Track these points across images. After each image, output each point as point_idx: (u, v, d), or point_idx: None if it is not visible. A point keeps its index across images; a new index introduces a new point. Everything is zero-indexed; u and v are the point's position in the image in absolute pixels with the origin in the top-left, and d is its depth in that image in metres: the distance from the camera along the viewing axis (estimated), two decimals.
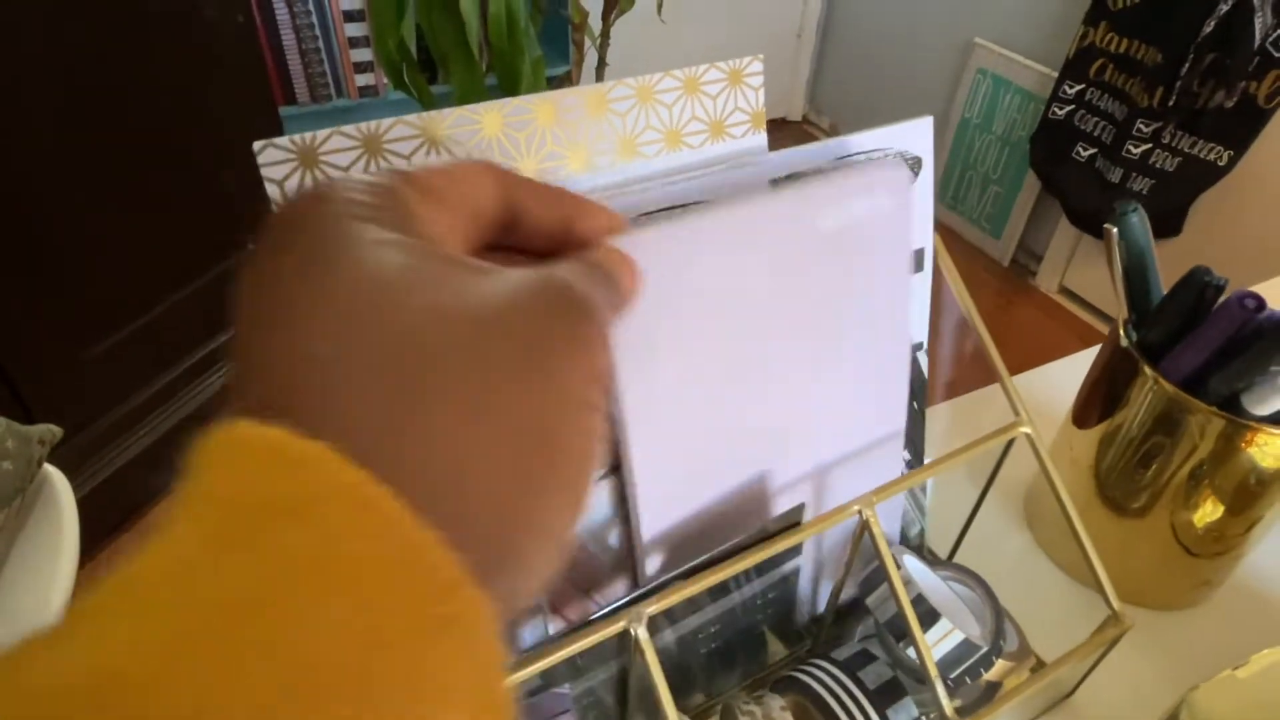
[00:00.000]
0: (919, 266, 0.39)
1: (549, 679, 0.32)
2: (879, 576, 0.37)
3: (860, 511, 0.35)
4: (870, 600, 0.39)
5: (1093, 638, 0.39)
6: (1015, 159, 2.08)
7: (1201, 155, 1.64)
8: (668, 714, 0.30)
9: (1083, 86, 1.83)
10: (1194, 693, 0.36)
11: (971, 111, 2.17)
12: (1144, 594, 0.50)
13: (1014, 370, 0.41)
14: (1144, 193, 1.74)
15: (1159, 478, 0.46)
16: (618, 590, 0.35)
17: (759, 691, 0.40)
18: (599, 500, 0.34)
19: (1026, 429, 0.39)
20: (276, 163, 0.26)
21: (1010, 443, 0.41)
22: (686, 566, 0.32)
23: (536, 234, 0.20)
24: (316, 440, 0.13)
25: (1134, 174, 1.75)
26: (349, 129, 0.27)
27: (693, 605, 0.36)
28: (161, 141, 1.28)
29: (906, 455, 0.41)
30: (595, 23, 1.79)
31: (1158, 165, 1.71)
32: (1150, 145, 1.70)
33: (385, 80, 1.89)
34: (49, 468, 0.78)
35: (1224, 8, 1.49)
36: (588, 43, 1.80)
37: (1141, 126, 1.68)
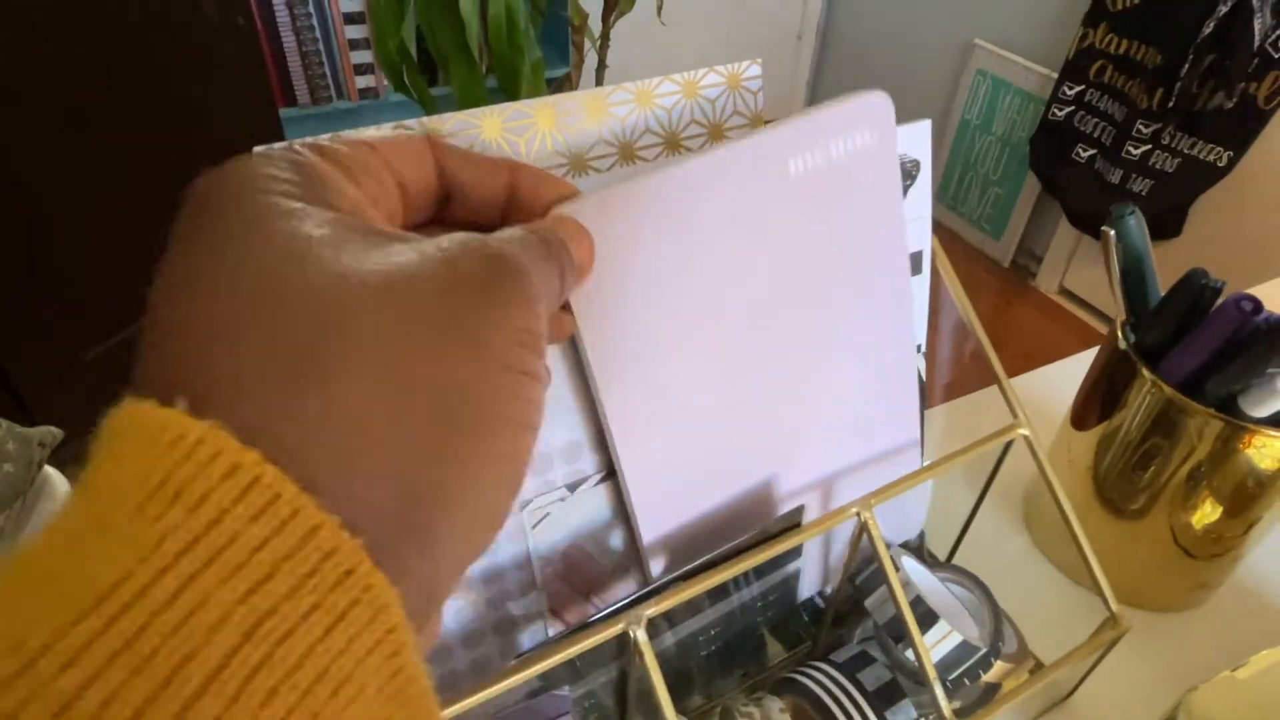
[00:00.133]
0: (917, 269, 0.39)
1: (549, 681, 0.32)
2: (878, 578, 0.38)
3: (859, 513, 0.35)
4: (869, 602, 0.39)
5: (1091, 639, 0.39)
6: (1015, 160, 2.08)
7: (1201, 156, 1.64)
8: (667, 716, 0.30)
9: (1082, 88, 1.83)
10: (1192, 694, 0.36)
11: (971, 113, 2.17)
12: (1142, 595, 0.50)
13: (1016, 371, 0.41)
14: (1144, 194, 1.74)
15: (1157, 479, 0.46)
16: (618, 594, 0.35)
17: (758, 693, 0.40)
18: (598, 503, 0.34)
19: (1025, 431, 0.40)
20: None
21: (1009, 445, 0.41)
22: (686, 569, 0.32)
23: (479, 207, 0.20)
24: (208, 419, 0.12)
25: (1134, 175, 1.75)
26: (348, 134, 0.27)
27: (693, 608, 0.36)
28: (162, 143, 1.29)
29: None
30: (595, 24, 1.79)
31: (1157, 166, 1.71)
32: (1150, 146, 1.70)
33: (385, 82, 1.90)
34: (49, 470, 0.78)
35: (1223, 9, 1.49)
36: (587, 44, 1.80)
37: (1141, 127, 1.69)
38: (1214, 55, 1.54)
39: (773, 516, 0.36)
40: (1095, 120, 1.83)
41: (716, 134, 0.34)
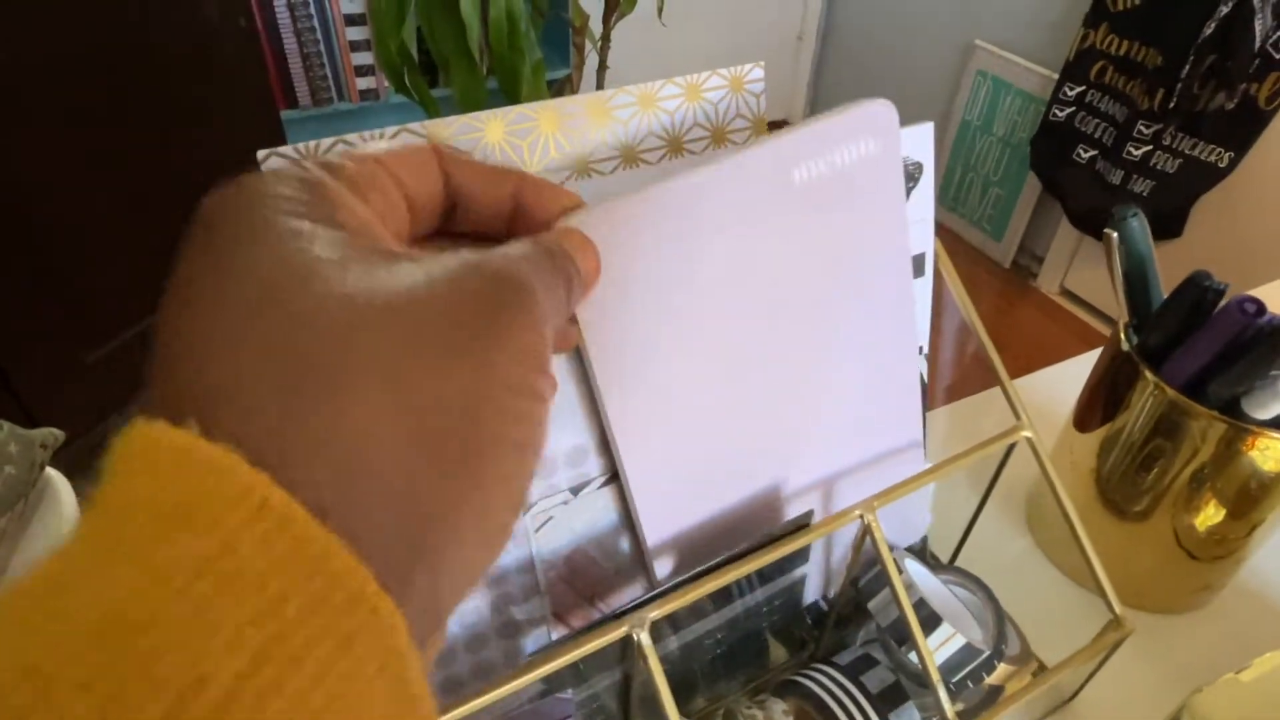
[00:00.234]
0: (920, 271, 0.39)
1: (552, 684, 0.32)
2: (881, 581, 0.38)
3: (862, 516, 0.35)
4: (872, 605, 0.39)
5: (1094, 641, 0.39)
6: (1016, 161, 2.08)
7: (1202, 157, 1.64)
8: (670, 719, 0.30)
9: (1083, 88, 1.83)
10: (1196, 696, 0.36)
11: (972, 114, 2.17)
12: (1145, 598, 0.50)
13: (1016, 371, 0.41)
14: (1145, 194, 1.74)
15: (1160, 481, 0.46)
16: (622, 598, 0.35)
17: (761, 696, 0.40)
18: (602, 506, 0.34)
19: (1028, 433, 0.40)
20: None
21: (1011, 447, 0.41)
22: (690, 574, 0.32)
23: (484, 217, 0.20)
24: (216, 440, 0.12)
25: (1134, 176, 1.75)
26: (352, 137, 0.27)
27: (697, 613, 0.36)
28: (163, 144, 1.29)
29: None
30: (596, 26, 1.79)
31: (1158, 167, 1.71)
32: (1151, 147, 1.70)
33: (386, 84, 1.90)
34: (51, 471, 0.78)
35: (1224, 9, 1.49)
36: (588, 46, 1.81)
37: (1142, 128, 1.69)
38: (1215, 56, 1.54)
39: (776, 519, 0.36)
40: (1096, 121, 1.83)
41: (719, 137, 0.34)
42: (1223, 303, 0.42)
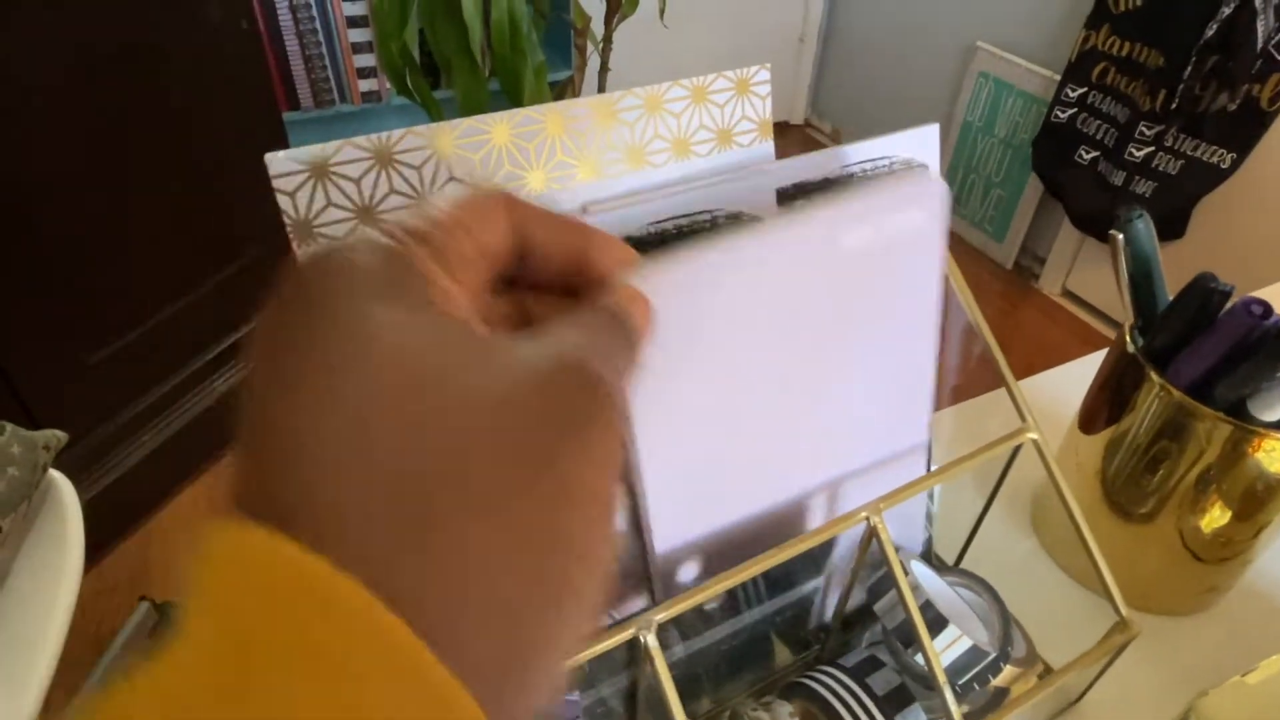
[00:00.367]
0: None
1: None
2: (887, 583, 0.37)
3: (868, 518, 0.35)
4: (878, 607, 0.39)
5: (1100, 644, 0.39)
6: (1018, 162, 2.08)
7: (1204, 158, 1.64)
8: None
9: (1085, 90, 1.83)
10: (1202, 699, 0.36)
11: (974, 115, 2.17)
12: (1151, 600, 0.50)
13: (1018, 373, 0.41)
14: (1147, 196, 1.74)
15: (1166, 483, 0.46)
16: (629, 609, 0.35)
17: (767, 698, 0.40)
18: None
19: (1034, 435, 0.40)
20: (288, 174, 0.27)
21: (1017, 449, 0.41)
22: (701, 585, 0.32)
23: (548, 266, 0.20)
24: (325, 556, 0.12)
25: (1136, 177, 1.75)
26: (360, 140, 0.27)
27: (706, 622, 0.36)
28: (165, 146, 1.29)
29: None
30: (598, 27, 1.79)
31: (1160, 168, 1.71)
32: (1153, 148, 1.70)
33: (388, 85, 1.90)
34: (54, 473, 0.79)
35: (1226, 10, 1.49)
36: (590, 48, 1.81)
37: (1144, 129, 1.68)
38: (1217, 57, 1.54)
39: (787, 529, 0.36)
40: (1098, 122, 1.83)
41: (725, 139, 0.34)
42: (1229, 304, 0.42)
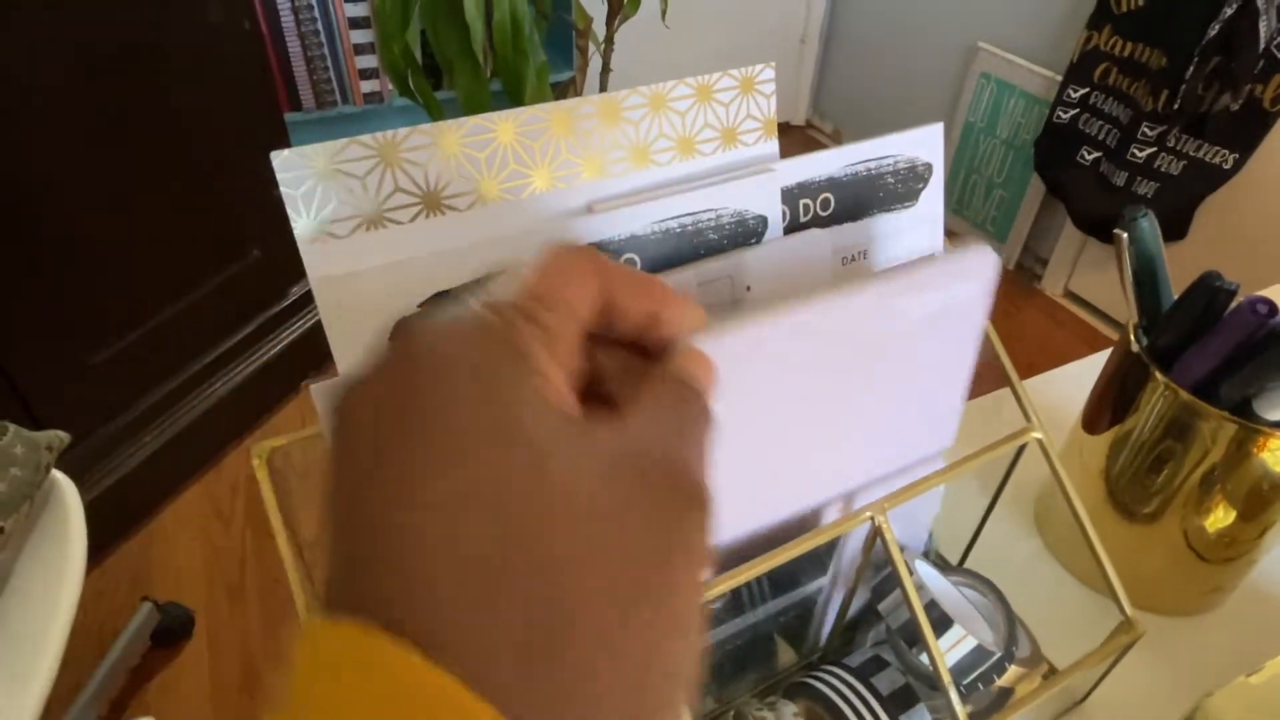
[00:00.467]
0: None
1: None
2: (891, 583, 0.37)
3: (873, 518, 0.35)
4: (883, 606, 0.39)
5: (1105, 644, 0.39)
6: (1019, 163, 2.08)
7: (1207, 158, 1.64)
8: None
9: (1087, 90, 1.83)
10: (1207, 699, 0.36)
11: (975, 115, 2.17)
12: (1156, 600, 0.50)
13: (1021, 373, 0.41)
14: (1149, 196, 1.74)
15: (1170, 483, 0.46)
16: None
17: (771, 697, 0.39)
18: None
19: (1038, 435, 0.39)
20: (294, 172, 0.27)
21: (1021, 448, 0.40)
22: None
23: (624, 325, 0.20)
24: (445, 670, 0.12)
25: (1139, 177, 1.74)
26: (366, 139, 0.27)
27: (711, 621, 0.36)
28: (167, 147, 1.29)
29: None
30: (599, 28, 1.79)
31: (1163, 169, 1.71)
32: (1155, 149, 1.70)
33: (390, 86, 1.90)
34: (56, 473, 0.79)
35: (1228, 10, 1.49)
36: (592, 48, 1.81)
37: (1146, 130, 1.68)
38: (1219, 57, 1.53)
39: (788, 529, 0.36)
40: (1100, 123, 1.83)
41: (730, 138, 0.34)
42: (1234, 303, 0.42)
